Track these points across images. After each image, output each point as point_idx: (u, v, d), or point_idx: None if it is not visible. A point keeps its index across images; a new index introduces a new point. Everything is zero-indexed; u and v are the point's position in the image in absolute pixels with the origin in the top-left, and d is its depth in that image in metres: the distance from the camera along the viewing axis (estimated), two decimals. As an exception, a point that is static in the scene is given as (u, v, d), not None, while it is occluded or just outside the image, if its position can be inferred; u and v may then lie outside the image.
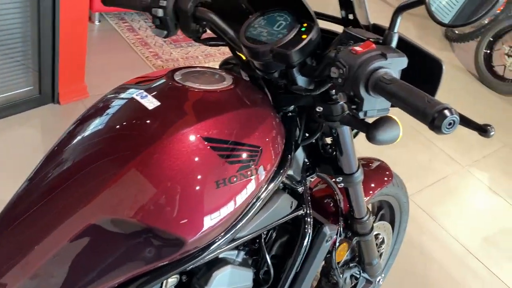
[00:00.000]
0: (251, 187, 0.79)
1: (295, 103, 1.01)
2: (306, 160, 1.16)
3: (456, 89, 4.12)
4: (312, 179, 1.25)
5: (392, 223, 1.69)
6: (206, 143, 0.73)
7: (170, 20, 0.99)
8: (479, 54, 4.32)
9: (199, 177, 0.71)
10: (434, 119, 0.58)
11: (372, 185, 1.43)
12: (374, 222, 1.59)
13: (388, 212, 1.68)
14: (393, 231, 1.70)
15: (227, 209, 0.76)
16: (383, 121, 0.92)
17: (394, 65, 0.70)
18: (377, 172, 1.47)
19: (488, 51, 4.31)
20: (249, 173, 0.77)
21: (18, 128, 2.33)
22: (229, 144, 0.75)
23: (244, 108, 0.82)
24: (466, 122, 0.80)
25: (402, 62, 0.70)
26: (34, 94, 2.43)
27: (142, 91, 0.80)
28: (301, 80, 0.89)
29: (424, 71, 0.80)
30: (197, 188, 0.71)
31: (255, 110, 0.85)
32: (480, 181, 2.98)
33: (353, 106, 0.72)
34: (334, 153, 1.12)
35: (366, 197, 1.40)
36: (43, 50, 2.30)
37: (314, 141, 1.15)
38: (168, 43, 3.25)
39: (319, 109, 0.94)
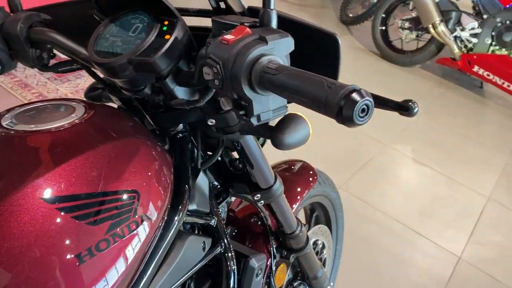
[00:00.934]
0: (135, 245, 0.59)
1: (183, 121, 0.83)
2: (215, 183, 0.98)
3: (361, 70, 4.18)
4: (231, 202, 1.07)
5: (328, 223, 1.57)
6: (49, 204, 0.52)
7: (0, 50, 0.78)
8: (376, 32, 4.42)
9: (47, 256, 0.50)
10: (342, 108, 0.43)
11: (298, 189, 1.29)
12: (309, 228, 1.45)
13: (321, 213, 1.55)
14: (331, 232, 1.57)
15: (106, 284, 0.55)
16: (287, 121, 0.77)
17: (278, 49, 0.54)
18: (300, 175, 1.33)
19: (383, 28, 4.42)
20: (126, 229, 0.57)
21: None
22: (87, 199, 0.55)
23: (103, 143, 0.62)
24: (382, 103, 0.66)
25: (287, 43, 0.55)
26: None
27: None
28: (180, 92, 0.73)
29: (318, 51, 0.65)
30: (45, 274, 0.49)
31: (121, 142, 0.65)
32: (405, 155, 2.99)
33: (242, 112, 0.55)
34: (245, 168, 0.95)
35: (294, 204, 1.26)
36: None
37: (219, 159, 0.97)
38: (53, 79, 2.91)
39: (211, 122, 0.77)
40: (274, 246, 1.13)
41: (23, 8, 0.83)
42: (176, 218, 0.71)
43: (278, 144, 0.74)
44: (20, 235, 0.50)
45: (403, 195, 2.59)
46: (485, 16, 3.66)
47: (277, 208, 1.02)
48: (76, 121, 0.65)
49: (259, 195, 0.94)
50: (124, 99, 0.86)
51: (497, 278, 2.10)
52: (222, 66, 0.53)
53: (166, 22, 0.69)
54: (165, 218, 0.68)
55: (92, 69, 0.80)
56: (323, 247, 1.49)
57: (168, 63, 0.67)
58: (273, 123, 0.89)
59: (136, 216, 0.60)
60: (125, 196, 0.59)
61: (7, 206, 0.50)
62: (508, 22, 3.60)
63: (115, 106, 0.87)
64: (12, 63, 0.83)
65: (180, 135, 0.85)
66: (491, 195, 2.68)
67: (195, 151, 0.87)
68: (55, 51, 0.83)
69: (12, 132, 0.60)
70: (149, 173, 0.65)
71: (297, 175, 1.32)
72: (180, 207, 0.72)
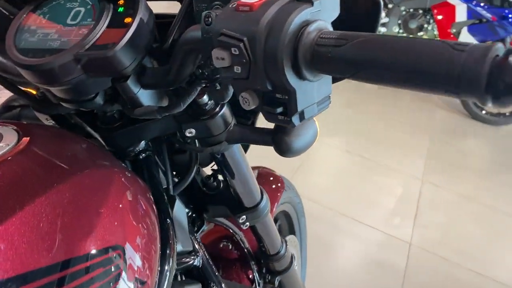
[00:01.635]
0: None
1: (148, 136, 0.63)
2: (186, 210, 0.79)
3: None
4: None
5: (292, 231, 1.42)
6: None
7: None
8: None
9: None
10: (495, 79, 0.27)
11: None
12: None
13: (285, 222, 1.41)
14: (298, 240, 1.43)
15: None
16: None
17: (325, 13, 0.38)
18: (267, 182, 1.17)
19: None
20: None
21: None
22: (45, 276, 0.34)
23: (53, 183, 0.41)
24: None
25: (333, 3, 0.38)
26: None
27: None
28: (145, 97, 0.53)
29: (353, 16, 0.49)
30: None
31: (80, 177, 0.45)
32: (335, 147, 2.96)
33: (279, 110, 0.38)
34: (221, 186, 0.77)
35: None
36: None
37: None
38: None
39: (190, 132, 0.58)
40: (256, 271, 0.96)
41: None
42: (166, 267, 0.51)
43: (285, 151, 0.57)
44: None
45: (340, 187, 2.54)
46: (390, 6, 3.79)
47: (263, 228, 0.85)
48: (6, 154, 0.43)
49: (244, 216, 0.77)
50: (58, 117, 0.64)
51: (448, 259, 2.11)
52: (247, 43, 0.35)
53: (121, 1, 0.50)
54: (158, 269, 0.48)
55: (7, 77, 0.58)
56: (294, 258, 1.34)
57: (133, 56, 0.48)
58: (259, 123, 0.73)
59: (125, 283, 0.40)
60: (104, 257, 0.39)
61: None
62: (411, 10, 3.76)
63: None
64: None
65: (143, 155, 0.65)
66: (423, 177, 2.73)
67: (163, 173, 0.68)
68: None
69: None
70: (130, 215, 0.45)
71: (263, 184, 1.15)
72: (168, 252, 0.53)
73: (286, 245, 0.96)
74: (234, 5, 0.37)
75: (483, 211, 2.49)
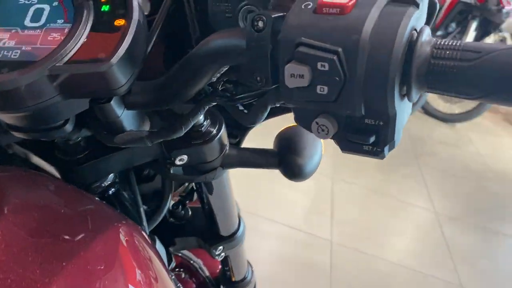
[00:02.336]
0: None
1: (118, 167, 0.51)
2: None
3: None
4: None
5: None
6: None
7: None
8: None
9: None
10: None
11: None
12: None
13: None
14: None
15: None
16: (297, 137, 0.53)
17: (423, 18, 0.31)
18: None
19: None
20: None
21: None
22: None
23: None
24: None
25: (426, 6, 0.32)
26: None
27: None
28: (128, 119, 0.42)
29: None
30: None
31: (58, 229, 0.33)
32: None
33: (371, 140, 0.31)
34: (193, 214, 0.67)
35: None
36: None
37: None
38: None
39: (181, 159, 0.48)
40: None
41: None
42: None
43: (297, 175, 0.50)
44: None
45: (254, 189, 2.52)
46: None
47: (235, 256, 0.76)
48: None
49: (221, 247, 0.67)
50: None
51: (369, 253, 2.20)
52: (343, 57, 0.27)
53: None
54: None
55: None
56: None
57: (131, 70, 0.37)
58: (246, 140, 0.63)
59: None
60: None
61: None
62: None
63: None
64: None
65: (112, 189, 0.52)
66: (333, 175, 2.82)
67: (133, 208, 0.56)
68: None
69: None
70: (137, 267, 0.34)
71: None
72: None
73: (252, 270, 0.88)
74: (309, 5, 0.29)
75: (390, 202, 2.65)
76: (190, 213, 0.68)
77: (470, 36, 3.99)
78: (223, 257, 0.69)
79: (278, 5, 0.33)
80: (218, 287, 0.87)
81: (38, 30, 0.37)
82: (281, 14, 0.32)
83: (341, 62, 0.27)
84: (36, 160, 0.48)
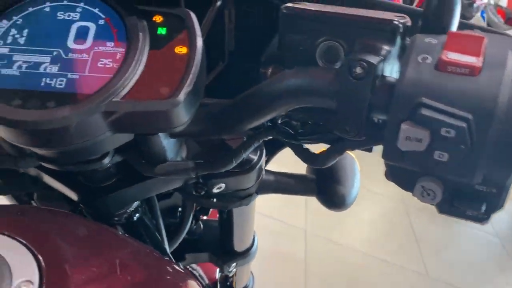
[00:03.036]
0: None
1: (147, 194, 0.47)
2: None
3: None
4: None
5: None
6: None
7: None
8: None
9: None
10: None
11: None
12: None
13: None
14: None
15: None
16: (338, 165, 0.50)
17: None
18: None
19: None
20: None
21: None
22: None
23: None
24: None
25: None
26: None
27: None
28: (170, 147, 0.39)
29: None
30: None
31: None
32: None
33: (483, 209, 0.28)
34: (206, 228, 0.64)
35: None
36: None
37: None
38: None
39: (219, 187, 0.44)
40: None
41: None
42: None
43: (338, 204, 0.47)
44: None
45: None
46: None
47: (243, 268, 0.73)
48: None
49: (234, 263, 0.64)
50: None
51: (342, 244, 2.23)
52: (473, 124, 0.24)
53: (158, 18, 0.34)
54: None
55: None
56: None
57: (195, 104, 0.33)
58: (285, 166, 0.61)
59: None
60: None
61: None
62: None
63: None
64: None
65: (137, 215, 0.48)
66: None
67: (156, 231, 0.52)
68: None
69: None
70: None
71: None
72: None
73: (253, 277, 0.86)
74: (427, 60, 0.26)
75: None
76: (202, 227, 0.65)
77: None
78: (234, 272, 0.66)
79: (368, 45, 0.30)
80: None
81: (85, 54, 0.32)
82: (381, 58, 0.28)
83: (470, 130, 0.25)
84: (53, 182, 0.43)
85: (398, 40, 0.30)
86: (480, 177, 0.27)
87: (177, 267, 0.39)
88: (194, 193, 0.46)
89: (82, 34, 0.32)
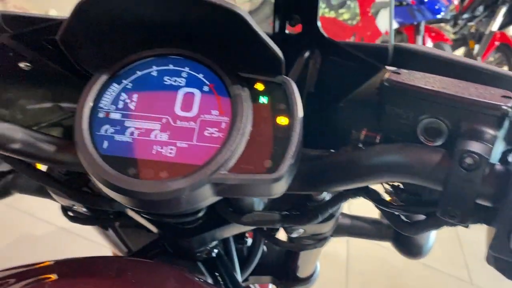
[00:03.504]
0: None
1: (227, 234, 0.49)
2: None
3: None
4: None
5: None
6: None
7: None
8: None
9: None
10: None
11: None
12: None
13: None
14: None
15: None
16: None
17: None
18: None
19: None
20: None
21: None
22: None
23: None
24: None
25: None
26: None
27: None
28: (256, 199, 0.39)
29: None
30: None
31: None
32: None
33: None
34: (269, 251, 0.65)
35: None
36: None
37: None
38: None
39: (298, 232, 0.45)
40: None
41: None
42: None
43: (414, 254, 0.47)
44: None
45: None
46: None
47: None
48: None
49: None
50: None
51: (385, 245, 2.21)
52: None
53: (260, 86, 0.34)
54: None
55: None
56: None
57: (294, 172, 0.33)
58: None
59: None
60: None
61: None
62: (334, -15, 3.74)
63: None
64: None
65: (215, 251, 0.50)
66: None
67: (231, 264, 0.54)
68: None
69: None
70: None
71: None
72: None
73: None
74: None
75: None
76: (266, 250, 0.66)
77: (498, 21, 3.88)
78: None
79: (475, 130, 0.30)
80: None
81: (192, 122, 0.33)
82: (490, 147, 0.28)
83: None
84: (138, 218, 0.45)
85: (507, 124, 0.30)
86: None
87: None
88: (272, 233, 0.47)
89: (188, 101, 0.33)
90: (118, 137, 0.32)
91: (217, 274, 0.48)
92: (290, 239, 0.48)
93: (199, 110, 0.33)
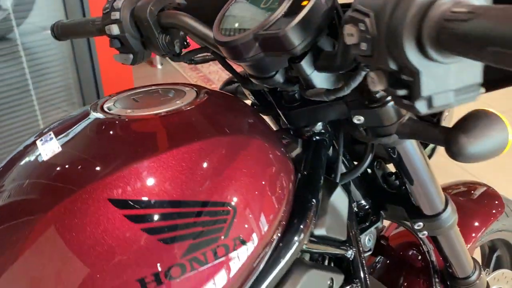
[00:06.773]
0: (220, 278, 0.44)
1: (321, 118, 0.66)
2: (362, 203, 0.78)
3: None
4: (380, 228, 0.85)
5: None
6: (115, 208, 0.41)
7: (131, 37, 0.71)
8: None
9: (97, 276, 0.39)
10: None
11: (477, 221, 0.99)
12: (488, 274, 1.12)
13: (506, 253, 1.20)
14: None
15: None
16: (473, 119, 0.52)
17: None
18: (481, 202, 1.03)
19: None
20: (210, 254, 0.43)
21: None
22: (163, 208, 0.42)
23: (204, 138, 0.49)
24: None
25: None
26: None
27: (49, 133, 0.51)
28: (319, 79, 0.56)
29: None
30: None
31: (229, 139, 0.52)
32: None
33: (401, 93, 0.36)
34: (403, 186, 0.73)
35: (470, 240, 0.96)
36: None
37: (369, 171, 0.77)
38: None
39: (358, 119, 0.58)
40: None
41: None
42: (291, 244, 0.53)
43: (456, 154, 0.50)
44: (78, 236, 0.39)
45: None
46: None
47: (446, 244, 0.77)
48: (181, 107, 0.53)
49: (421, 223, 0.71)
50: (257, 94, 0.73)
51: None
52: (373, 18, 0.35)
53: None
54: (274, 244, 0.51)
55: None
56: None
57: (302, 37, 0.50)
58: (447, 122, 0.66)
59: (227, 238, 0.44)
60: (216, 210, 0.45)
61: (68, 206, 0.40)
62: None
63: (249, 102, 0.74)
64: (145, 52, 0.76)
65: (317, 137, 0.68)
66: None
67: (335, 159, 0.69)
68: (190, 40, 0.73)
69: (106, 116, 0.51)
70: (257, 183, 0.49)
71: (476, 203, 1.02)
72: (299, 230, 0.54)
73: (480, 271, 0.83)
74: None
75: None
76: (399, 184, 0.74)
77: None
78: (425, 235, 0.72)
79: None
80: (441, 277, 0.88)
81: (264, 10, 0.55)
82: None
83: (371, 23, 0.34)
84: (273, 103, 0.69)
85: None
86: (393, 65, 0.34)
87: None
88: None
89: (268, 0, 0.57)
90: (231, 20, 0.58)
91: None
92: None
93: (271, 3, 0.55)
